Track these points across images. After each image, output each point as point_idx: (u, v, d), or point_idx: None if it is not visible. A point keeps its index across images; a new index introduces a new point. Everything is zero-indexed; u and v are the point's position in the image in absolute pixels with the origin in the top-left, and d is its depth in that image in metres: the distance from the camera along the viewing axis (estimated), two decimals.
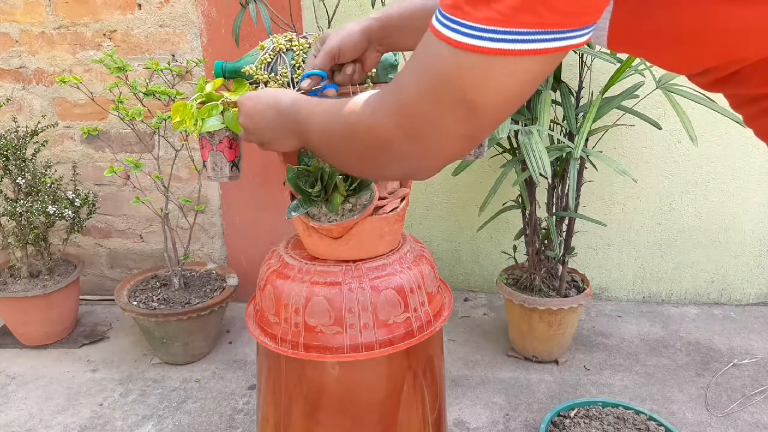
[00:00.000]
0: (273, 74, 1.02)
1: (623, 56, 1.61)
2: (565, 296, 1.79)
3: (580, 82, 1.72)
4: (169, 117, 1.64)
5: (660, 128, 1.68)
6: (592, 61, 1.77)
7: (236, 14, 1.55)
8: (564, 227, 1.82)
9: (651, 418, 1.46)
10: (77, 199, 1.94)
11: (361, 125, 0.60)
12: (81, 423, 1.63)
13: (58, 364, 1.92)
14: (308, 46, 1.04)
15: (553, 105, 1.71)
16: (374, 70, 1.01)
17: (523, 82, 0.50)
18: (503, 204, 1.85)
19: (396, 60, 1.05)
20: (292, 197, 1.11)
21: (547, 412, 1.50)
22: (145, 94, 1.68)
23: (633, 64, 1.57)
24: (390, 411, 1.10)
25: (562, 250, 1.79)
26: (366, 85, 1.02)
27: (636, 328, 2.07)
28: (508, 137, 1.79)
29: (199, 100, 1.04)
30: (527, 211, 1.80)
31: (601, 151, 1.76)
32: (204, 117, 1.03)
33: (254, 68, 1.01)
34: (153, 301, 1.87)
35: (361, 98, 0.61)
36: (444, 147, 0.56)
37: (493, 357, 1.90)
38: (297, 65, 1.01)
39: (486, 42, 0.46)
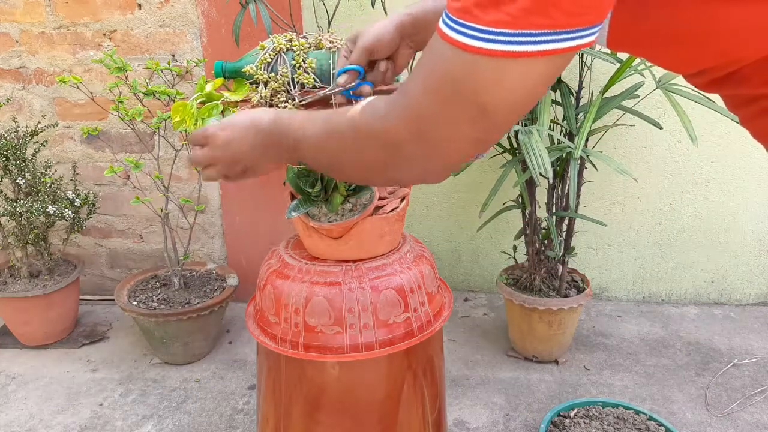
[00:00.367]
0: (273, 74, 1.02)
1: (623, 56, 1.61)
2: (565, 296, 1.79)
3: (580, 82, 1.72)
4: (169, 117, 1.64)
5: (660, 128, 1.68)
6: (592, 61, 1.77)
7: (236, 14, 1.55)
8: (564, 227, 1.82)
9: (651, 418, 1.46)
10: (77, 199, 1.94)
11: (372, 129, 0.59)
12: (81, 423, 1.63)
13: (58, 364, 1.92)
14: (308, 46, 1.04)
15: (553, 105, 1.71)
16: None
17: (535, 84, 0.50)
18: (503, 204, 1.85)
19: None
20: (292, 197, 1.11)
21: (547, 412, 1.50)
22: (145, 94, 1.68)
23: (633, 64, 1.57)
24: (390, 411, 1.10)
25: (562, 250, 1.79)
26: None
27: (636, 328, 2.07)
28: (508, 137, 1.79)
29: (199, 100, 1.04)
30: (527, 211, 1.80)
31: (601, 151, 1.76)
32: (204, 117, 1.03)
33: (254, 68, 1.01)
34: (153, 301, 1.87)
35: (367, 104, 0.61)
36: (455, 150, 0.56)
37: (493, 357, 1.90)
38: (297, 65, 1.01)
39: (497, 45, 0.46)
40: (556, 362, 1.85)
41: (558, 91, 1.70)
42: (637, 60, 1.56)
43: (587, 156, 1.65)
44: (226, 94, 1.04)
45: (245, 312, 1.18)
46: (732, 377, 1.77)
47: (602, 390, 1.72)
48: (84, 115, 2.14)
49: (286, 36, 1.03)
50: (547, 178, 1.52)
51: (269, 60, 1.02)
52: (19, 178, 1.87)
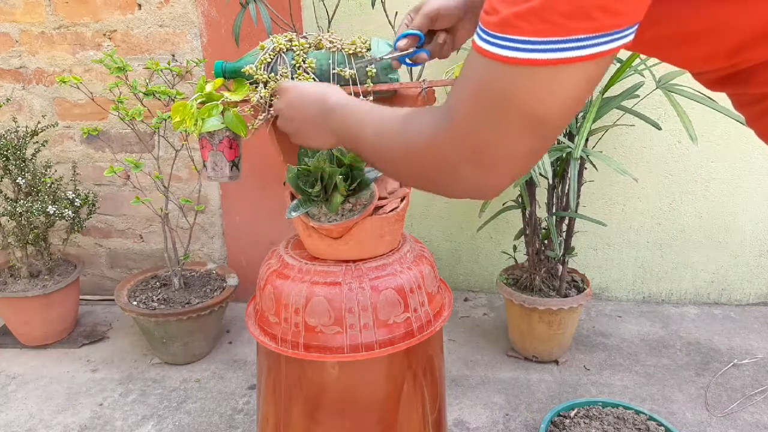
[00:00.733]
0: (273, 74, 1.02)
1: (623, 56, 1.61)
2: (565, 296, 1.79)
3: None
4: (169, 117, 1.64)
5: (660, 128, 1.68)
6: None
7: (236, 14, 1.55)
8: (564, 227, 1.82)
9: (651, 418, 1.46)
10: (77, 199, 1.94)
11: (419, 148, 0.58)
12: (81, 423, 1.63)
13: (58, 364, 1.92)
14: (308, 46, 1.04)
15: None
16: (374, 69, 1.01)
17: (584, 87, 0.50)
18: (503, 204, 1.85)
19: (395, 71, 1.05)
20: (292, 197, 1.11)
21: (547, 412, 1.50)
22: (145, 94, 1.68)
23: (633, 64, 1.57)
24: (390, 411, 1.10)
25: (562, 250, 1.79)
26: (366, 84, 1.02)
27: (636, 328, 2.07)
28: None
29: (199, 100, 1.04)
30: (527, 211, 1.80)
31: (601, 151, 1.76)
32: (204, 117, 1.03)
33: (254, 68, 1.01)
34: (153, 301, 1.87)
35: (418, 116, 0.60)
36: (511, 166, 0.55)
37: (493, 357, 1.90)
38: (297, 65, 1.01)
39: (545, 54, 0.46)
40: (556, 362, 1.85)
41: None
42: (637, 60, 1.56)
43: (587, 156, 1.65)
44: (226, 94, 1.04)
45: (245, 312, 1.18)
46: (732, 377, 1.77)
47: (602, 390, 1.72)
48: (84, 115, 2.14)
49: (286, 36, 1.03)
50: (547, 179, 1.52)
51: (269, 60, 1.02)
52: (19, 178, 1.87)
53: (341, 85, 0.99)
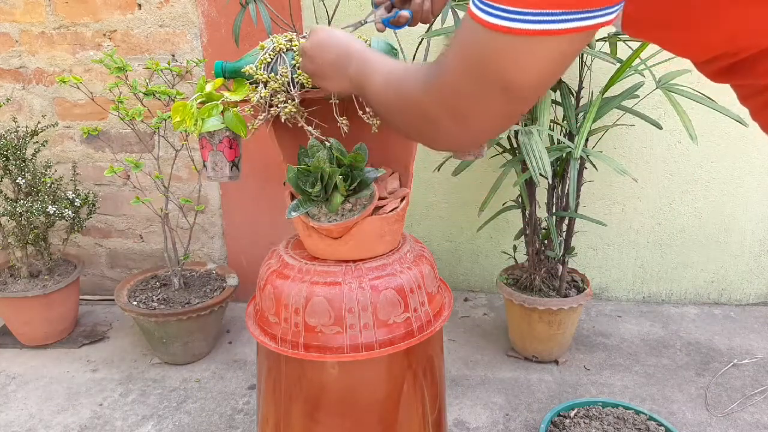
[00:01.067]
0: (273, 74, 1.02)
1: (623, 56, 1.61)
2: (565, 296, 1.79)
3: (580, 82, 1.72)
4: (169, 117, 1.64)
5: (660, 128, 1.68)
6: (592, 61, 1.77)
7: (236, 14, 1.55)
8: (564, 227, 1.82)
9: (651, 418, 1.46)
10: (77, 199, 1.94)
11: (412, 100, 0.63)
12: (81, 423, 1.63)
13: (58, 364, 1.92)
14: None
15: (553, 105, 1.71)
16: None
17: (559, 60, 0.52)
18: (503, 204, 1.85)
19: (393, 47, 1.05)
20: (292, 197, 1.11)
21: (547, 412, 1.50)
22: (145, 94, 1.68)
23: (633, 64, 1.57)
24: (390, 411, 1.10)
25: (562, 250, 1.79)
26: None
27: (636, 328, 2.07)
28: (508, 137, 1.79)
29: (199, 100, 1.04)
30: (527, 211, 1.80)
31: (601, 151, 1.76)
32: (204, 117, 1.03)
33: (254, 68, 1.01)
34: (153, 301, 1.87)
35: (415, 70, 0.64)
36: (486, 125, 0.60)
37: (493, 357, 1.90)
38: (297, 65, 1.01)
39: (523, 24, 0.49)
40: (556, 362, 1.85)
41: (558, 91, 1.70)
42: (637, 60, 1.56)
43: (587, 156, 1.65)
44: (226, 94, 1.04)
45: (245, 312, 1.18)
46: (732, 377, 1.77)
47: (602, 390, 1.72)
48: (84, 115, 2.14)
49: (286, 36, 1.03)
50: (547, 178, 1.52)
51: (269, 60, 1.02)
52: (19, 178, 1.87)
53: None
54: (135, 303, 1.85)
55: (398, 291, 1.04)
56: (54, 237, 2.11)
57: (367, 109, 1.01)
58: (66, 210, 1.89)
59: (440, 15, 1.36)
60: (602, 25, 0.50)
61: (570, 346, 1.92)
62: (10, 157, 1.85)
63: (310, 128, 1.04)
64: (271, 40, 1.03)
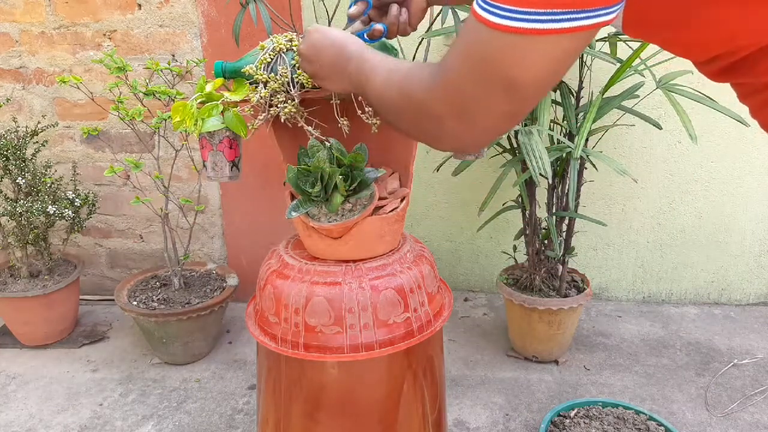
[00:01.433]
0: (273, 74, 1.02)
1: (623, 56, 1.61)
2: (565, 296, 1.79)
3: (580, 82, 1.72)
4: (169, 117, 1.64)
5: (660, 128, 1.68)
6: (592, 61, 1.77)
7: (236, 14, 1.55)
8: (564, 227, 1.82)
9: (651, 418, 1.46)
10: (77, 199, 1.94)
11: (415, 99, 0.63)
12: (81, 423, 1.63)
13: (58, 364, 1.92)
14: None
15: (553, 105, 1.71)
16: None
17: (561, 59, 0.53)
18: (503, 204, 1.85)
19: (393, 47, 1.05)
20: (292, 197, 1.11)
21: (547, 412, 1.50)
22: (145, 94, 1.68)
23: (633, 64, 1.57)
24: (390, 411, 1.10)
25: (562, 250, 1.79)
26: None
27: (636, 328, 2.07)
28: (508, 137, 1.79)
29: (199, 100, 1.04)
30: (527, 211, 1.80)
31: (601, 151, 1.76)
32: (204, 117, 1.03)
33: (254, 68, 1.01)
34: (153, 301, 1.87)
35: (419, 70, 0.64)
36: (489, 125, 0.60)
37: (493, 357, 1.90)
38: (297, 65, 1.01)
39: (526, 23, 0.49)
40: (556, 362, 1.85)
41: (558, 91, 1.70)
42: (637, 60, 1.56)
43: (587, 156, 1.65)
44: (226, 94, 1.04)
45: (245, 312, 1.18)
46: (732, 377, 1.77)
47: (602, 390, 1.72)
48: (84, 115, 2.14)
49: (286, 36, 1.03)
50: (547, 178, 1.52)
51: (269, 60, 1.02)
52: (19, 178, 1.87)
53: None
54: (135, 303, 1.85)
55: (398, 291, 1.04)
56: (54, 237, 2.11)
57: (367, 110, 1.01)
58: (66, 210, 1.89)
59: (440, 15, 1.36)
60: (603, 24, 0.51)
61: (570, 346, 1.92)
62: (10, 157, 1.85)
63: (310, 128, 1.04)
64: (271, 40, 1.03)
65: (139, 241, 2.29)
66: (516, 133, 1.63)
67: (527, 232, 1.83)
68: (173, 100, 1.68)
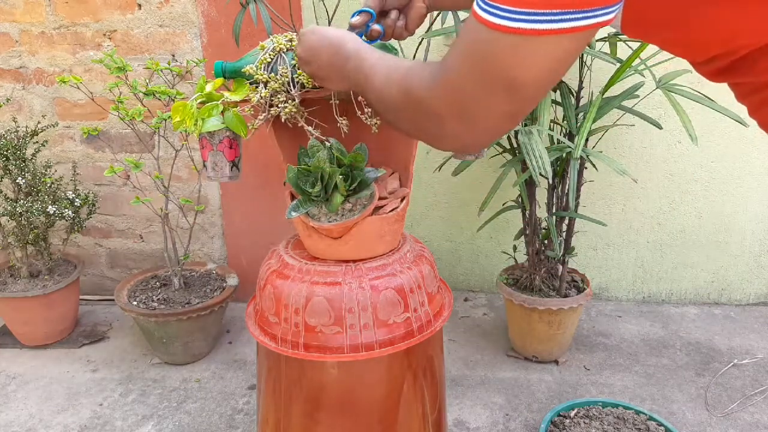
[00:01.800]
0: (273, 74, 1.02)
1: (623, 56, 1.61)
2: (565, 296, 1.79)
3: (580, 82, 1.72)
4: (169, 117, 1.64)
5: (660, 128, 1.68)
6: (592, 61, 1.77)
7: (236, 14, 1.55)
8: (564, 227, 1.82)
9: (651, 418, 1.46)
10: (77, 199, 1.94)
11: (415, 98, 0.63)
12: (81, 423, 1.63)
13: (58, 364, 1.92)
14: None
15: (553, 105, 1.71)
16: None
17: (560, 59, 0.53)
18: (503, 204, 1.85)
19: (393, 46, 1.05)
20: (292, 197, 1.11)
21: (547, 412, 1.50)
22: (145, 94, 1.68)
23: (633, 64, 1.57)
24: (390, 411, 1.10)
25: (562, 250, 1.79)
26: None
27: (636, 328, 2.07)
28: (508, 137, 1.79)
29: (199, 100, 1.04)
30: (527, 211, 1.80)
31: (601, 151, 1.76)
32: (204, 117, 1.03)
33: (254, 68, 1.01)
34: (153, 301, 1.87)
35: (419, 69, 0.64)
36: (490, 125, 0.60)
37: (493, 357, 1.90)
38: (297, 65, 1.01)
39: (526, 24, 0.50)
40: (556, 362, 1.85)
41: (558, 91, 1.70)
42: (637, 60, 1.56)
43: (587, 156, 1.65)
44: (226, 94, 1.04)
45: (245, 312, 1.18)
46: (732, 377, 1.77)
47: (602, 390, 1.72)
48: (84, 115, 2.14)
49: (286, 36, 1.03)
50: (547, 178, 1.52)
51: (269, 60, 1.02)
52: (19, 178, 1.87)
53: None
54: (135, 303, 1.85)
55: (398, 291, 1.04)
56: (54, 237, 2.11)
57: (366, 110, 1.01)
58: (66, 210, 1.89)
59: (440, 16, 1.36)
60: (602, 24, 0.51)
61: (570, 346, 1.92)
62: (10, 157, 1.85)
63: (310, 128, 1.04)
64: (271, 40, 1.03)
65: (139, 241, 2.29)
66: (516, 133, 1.63)
67: (527, 232, 1.83)
68: (173, 100, 1.68)
